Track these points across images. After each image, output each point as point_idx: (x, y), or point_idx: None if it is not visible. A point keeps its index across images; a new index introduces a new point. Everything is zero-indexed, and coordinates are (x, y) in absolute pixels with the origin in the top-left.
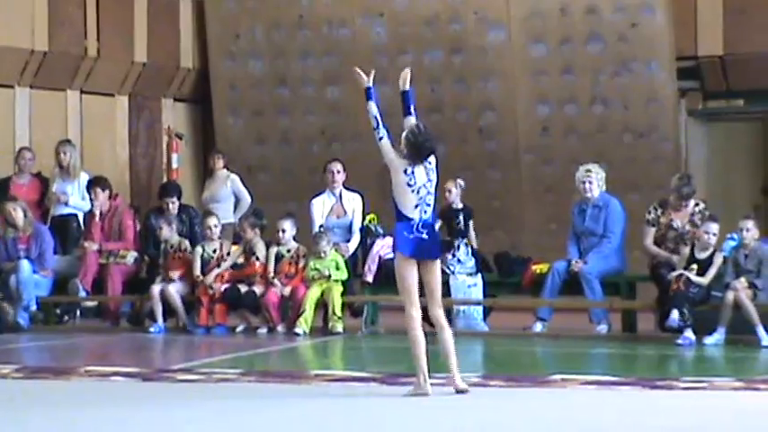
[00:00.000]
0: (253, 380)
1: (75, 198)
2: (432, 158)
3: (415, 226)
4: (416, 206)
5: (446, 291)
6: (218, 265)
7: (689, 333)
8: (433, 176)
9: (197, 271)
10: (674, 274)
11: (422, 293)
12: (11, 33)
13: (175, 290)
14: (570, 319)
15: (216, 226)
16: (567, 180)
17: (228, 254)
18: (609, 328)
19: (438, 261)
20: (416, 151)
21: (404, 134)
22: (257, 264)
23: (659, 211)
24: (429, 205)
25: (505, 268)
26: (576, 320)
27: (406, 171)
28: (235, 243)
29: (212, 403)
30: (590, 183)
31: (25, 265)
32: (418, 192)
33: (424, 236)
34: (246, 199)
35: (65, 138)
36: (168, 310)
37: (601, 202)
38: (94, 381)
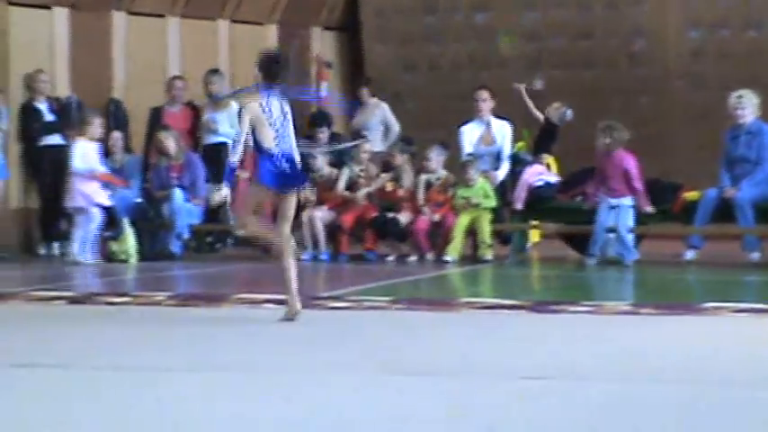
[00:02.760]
0: (402, 307)
1: (225, 126)
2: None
3: (277, 159)
4: (275, 139)
5: (590, 218)
6: (368, 185)
7: None
8: (288, 109)
9: (341, 187)
10: None
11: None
12: None
13: (320, 218)
14: (722, 246)
15: (368, 152)
16: (720, 106)
17: (378, 176)
18: (761, 256)
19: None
20: (267, 71)
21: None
22: (402, 191)
23: None
24: (287, 137)
25: (656, 195)
26: (728, 248)
27: (261, 106)
28: (384, 172)
29: (361, 330)
30: (743, 109)
31: (178, 193)
32: (274, 125)
33: (288, 169)
34: (395, 127)
35: (214, 67)
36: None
37: (754, 128)
38: (246, 308)
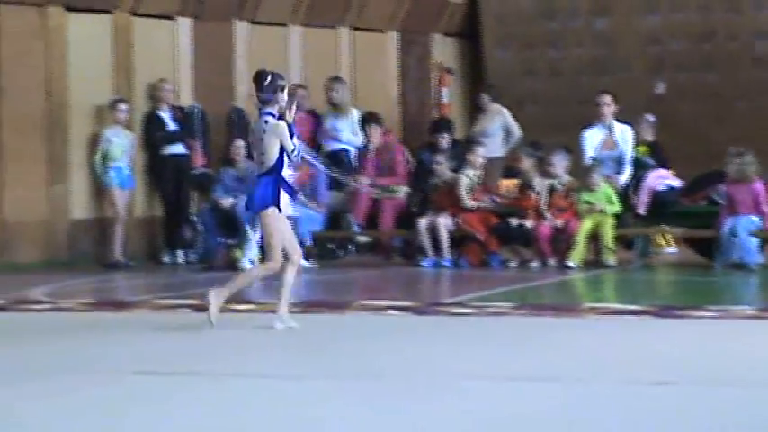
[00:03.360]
0: (525, 313)
1: (346, 134)
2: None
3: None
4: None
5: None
6: (485, 191)
7: None
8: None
9: (463, 196)
10: None
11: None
12: None
13: (443, 224)
14: None
15: (482, 156)
16: None
17: (498, 181)
18: None
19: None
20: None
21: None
22: (533, 196)
23: None
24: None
25: None
26: None
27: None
28: (505, 177)
29: (485, 336)
30: None
31: (300, 200)
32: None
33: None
34: (516, 133)
35: (335, 75)
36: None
37: None
38: (369, 314)
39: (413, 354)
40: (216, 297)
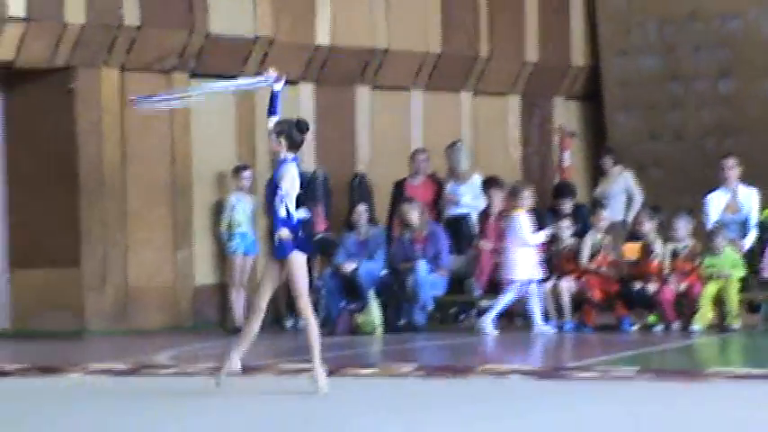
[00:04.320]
0: (650, 378)
1: (467, 198)
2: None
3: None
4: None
5: None
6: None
7: None
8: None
9: (584, 259)
10: None
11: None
12: (406, 37)
13: (566, 287)
14: None
15: (605, 218)
16: None
17: (620, 245)
18: None
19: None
20: (296, 146)
21: (283, 129)
22: (655, 261)
23: None
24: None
25: None
26: None
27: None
28: (627, 241)
29: (611, 402)
30: None
31: (422, 265)
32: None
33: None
34: (638, 196)
35: (457, 139)
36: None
37: None
38: (492, 379)
39: (539, 419)
40: (317, 369)
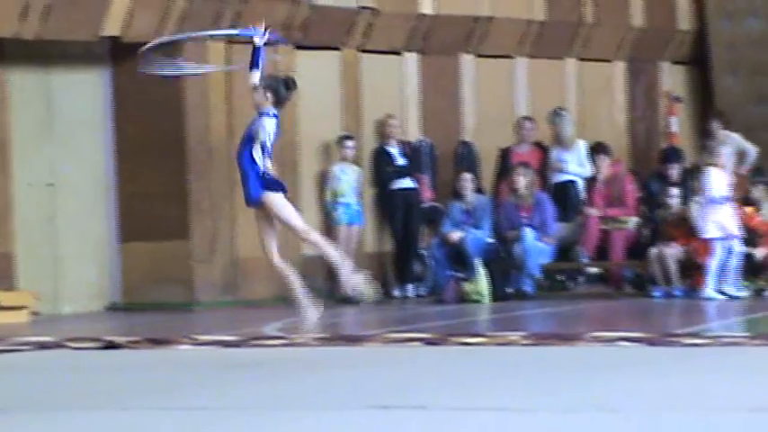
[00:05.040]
0: (761, 343)
1: (573, 165)
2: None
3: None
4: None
5: None
6: None
7: None
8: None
9: (698, 224)
10: None
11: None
12: (509, 4)
13: (671, 254)
14: None
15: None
16: None
17: None
18: None
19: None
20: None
21: (271, 84)
22: (758, 221)
23: None
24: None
25: None
26: None
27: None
28: (746, 204)
29: (723, 368)
30: None
31: (528, 233)
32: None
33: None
34: (752, 151)
35: (561, 106)
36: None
37: None
38: (601, 346)
39: (650, 386)
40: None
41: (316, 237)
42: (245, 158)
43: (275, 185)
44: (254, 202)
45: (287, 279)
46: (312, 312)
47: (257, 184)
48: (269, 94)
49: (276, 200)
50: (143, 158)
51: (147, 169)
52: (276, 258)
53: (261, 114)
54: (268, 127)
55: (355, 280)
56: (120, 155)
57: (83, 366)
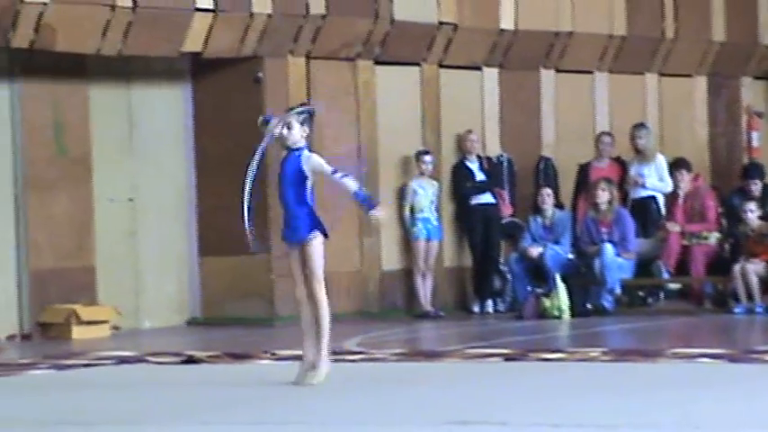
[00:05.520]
0: None
1: (652, 180)
2: None
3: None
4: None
5: None
6: None
7: None
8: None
9: None
10: None
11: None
12: (590, 19)
13: (753, 270)
14: None
15: None
16: None
17: None
18: None
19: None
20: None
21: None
22: None
23: None
24: None
25: None
26: None
27: None
28: None
29: None
30: None
31: (608, 248)
32: None
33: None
34: None
35: (641, 121)
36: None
37: None
38: (681, 363)
39: (732, 403)
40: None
41: (323, 296)
42: (290, 198)
43: (323, 227)
44: (301, 241)
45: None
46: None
47: (309, 223)
48: (306, 129)
49: (320, 244)
50: (223, 173)
51: (227, 184)
52: (300, 291)
53: (297, 150)
54: (321, 161)
55: (325, 366)
56: (200, 169)
57: (163, 381)
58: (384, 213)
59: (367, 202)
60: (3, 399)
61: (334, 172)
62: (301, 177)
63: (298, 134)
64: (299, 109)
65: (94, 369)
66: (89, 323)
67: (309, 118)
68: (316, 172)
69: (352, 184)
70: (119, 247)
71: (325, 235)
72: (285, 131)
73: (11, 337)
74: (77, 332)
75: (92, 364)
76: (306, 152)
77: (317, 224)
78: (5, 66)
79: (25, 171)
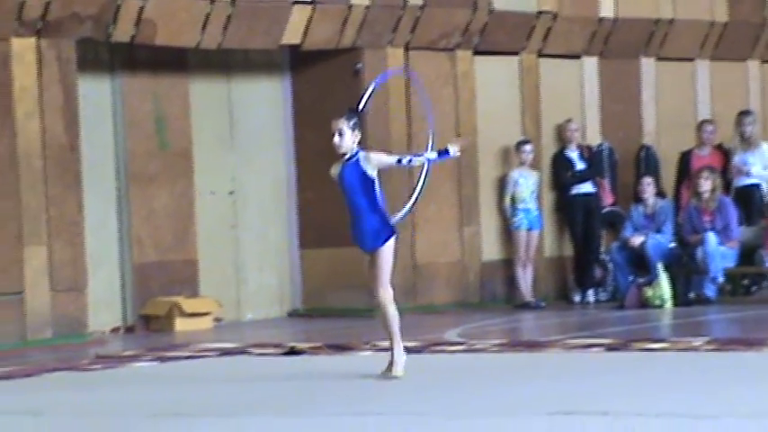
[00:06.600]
0: None
1: (757, 168)
2: None
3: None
4: None
5: None
6: None
7: None
8: None
9: None
10: None
11: None
12: (691, 6)
13: None
14: None
15: None
16: None
17: None
18: None
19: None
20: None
21: (358, 123)
22: None
23: None
24: None
25: None
26: None
27: None
28: None
29: None
30: None
31: (711, 237)
32: None
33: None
34: None
35: (745, 108)
36: None
37: None
38: None
39: None
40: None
41: (386, 297)
42: (363, 206)
43: (393, 229)
44: (377, 247)
45: (386, 316)
46: (403, 357)
47: (382, 231)
48: (358, 134)
49: (391, 248)
50: (322, 165)
51: (327, 176)
52: (382, 291)
53: (353, 157)
54: (380, 155)
55: (400, 360)
56: (300, 162)
57: (265, 373)
58: (459, 145)
59: (443, 155)
60: (107, 391)
61: (399, 161)
62: (368, 182)
63: (350, 140)
64: (350, 114)
65: (197, 361)
66: (191, 315)
67: (359, 122)
68: (381, 166)
69: (421, 159)
70: (220, 240)
71: (394, 233)
72: (337, 139)
73: (115, 330)
74: (180, 324)
75: (194, 356)
76: (361, 153)
77: (389, 231)
78: (107, 61)
79: (127, 165)
